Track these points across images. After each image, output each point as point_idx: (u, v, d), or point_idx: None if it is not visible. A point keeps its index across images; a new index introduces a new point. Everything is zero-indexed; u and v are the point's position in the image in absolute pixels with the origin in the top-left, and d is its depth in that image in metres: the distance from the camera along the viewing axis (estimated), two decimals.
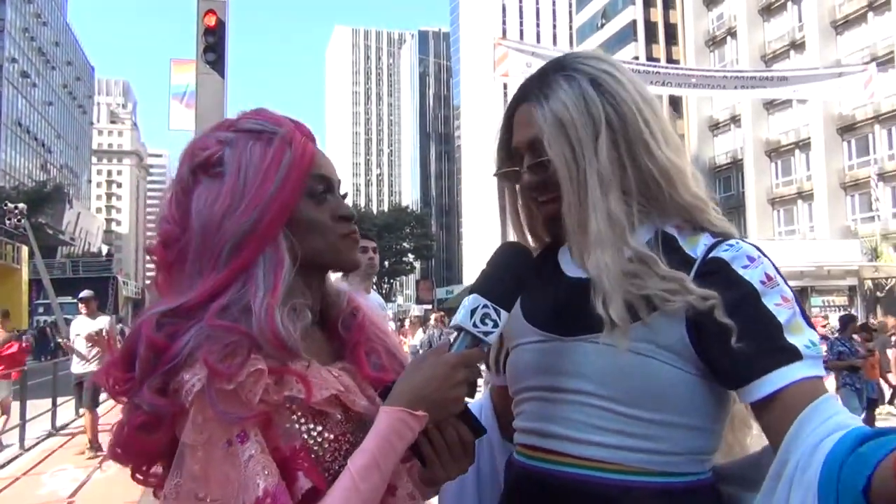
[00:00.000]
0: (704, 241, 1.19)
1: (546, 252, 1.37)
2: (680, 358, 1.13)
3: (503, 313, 1.10)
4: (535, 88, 1.25)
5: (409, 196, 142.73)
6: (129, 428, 1.02)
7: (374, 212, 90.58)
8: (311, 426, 1.05)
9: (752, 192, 42.26)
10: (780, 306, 1.10)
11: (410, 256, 73.06)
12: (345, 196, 1.21)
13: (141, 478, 1.07)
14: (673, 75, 13.53)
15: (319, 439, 1.05)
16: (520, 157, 1.28)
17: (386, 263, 66.78)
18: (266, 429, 1.00)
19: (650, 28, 54.00)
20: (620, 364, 1.14)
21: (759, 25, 43.17)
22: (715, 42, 46.79)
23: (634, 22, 54.35)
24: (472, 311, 1.10)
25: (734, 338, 1.08)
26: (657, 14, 54.04)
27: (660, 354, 1.13)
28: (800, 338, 1.08)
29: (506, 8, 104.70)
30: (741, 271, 1.13)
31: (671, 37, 52.35)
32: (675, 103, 48.52)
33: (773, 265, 1.16)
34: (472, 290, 1.13)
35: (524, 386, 1.28)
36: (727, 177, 46.19)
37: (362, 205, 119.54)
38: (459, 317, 1.11)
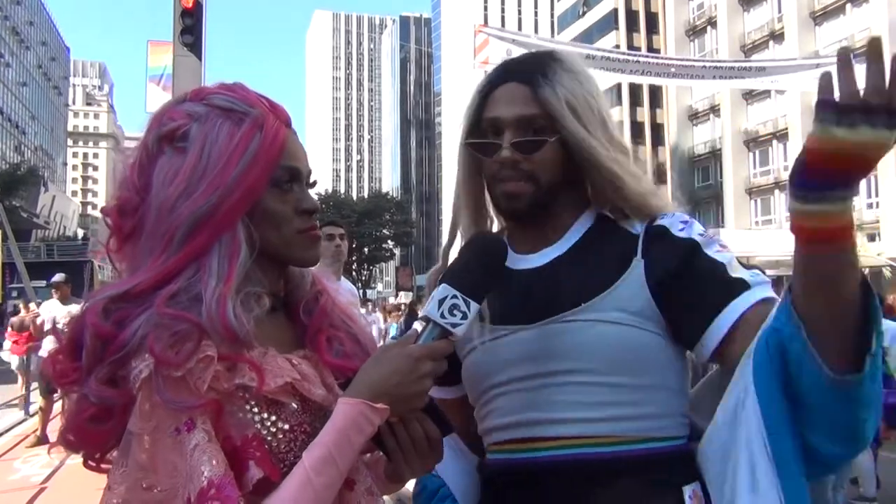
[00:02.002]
0: (640, 219, 1.28)
1: None
2: (650, 321, 1.19)
3: (473, 305, 1.07)
4: (532, 70, 1.27)
5: (389, 182, 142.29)
6: (80, 419, 0.98)
7: (354, 198, 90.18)
8: (265, 415, 1.01)
9: (730, 182, 42.58)
10: (720, 252, 1.21)
11: (390, 243, 72.87)
12: (314, 184, 1.16)
13: (93, 465, 1.04)
14: (653, 65, 13.54)
15: (273, 429, 1.02)
16: (492, 133, 1.28)
17: (365, 250, 66.60)
18: (217, 417, 0.97)
19: (631, 17, 54.05)
20: (595, 335, 1.18)
21: (739, 15, 43.39)
22: (695, 32, 46.97)
23: (616, 10, 54.36)
24: (441, 302, 1.06)
25: (687, 289, 1.18)
26: (638, 2, 54.10)
27: (632, 320, 1.18)
28: (743, 272, 1.18)
29: None
30: (679, 233, 1.23)
31: (652, 26, 52.47)
32: (655, 93, 48.74)
33: (703, 225, 1.27)
34: (441, 279, 1.10)
35: (492, 383, 1.26)
36: (706, 167, 46.54)
37: (342, 191, 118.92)
38: (428, 307, 1.07)
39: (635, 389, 1.18)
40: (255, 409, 1.01)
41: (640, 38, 52.64)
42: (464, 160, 1.37)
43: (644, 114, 51.62)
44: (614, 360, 1.17)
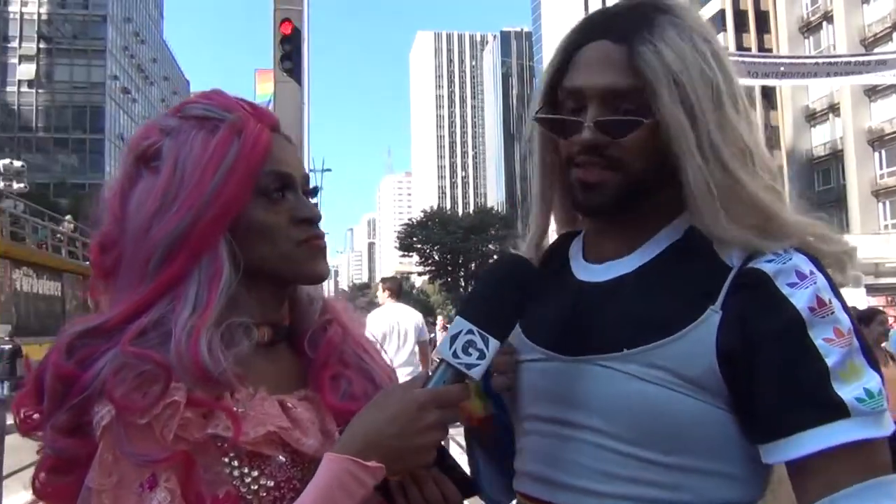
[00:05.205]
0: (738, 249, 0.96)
1: (554, 248, 1.15)
2: (707, 392, 0.91)
3: (492, 342, 0.89)
4: (632, 26, 0.96)
5: (494, 197, 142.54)
6: (40, 470, 0.90)
7: (460, 214, 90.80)
8: (246, 470, 0.89)
9: (853, 185, 40.23)
10: (831, 343, 0.87)
11: (496, 258, 72.58)
12: (315, 191, 1.04)
13: None
14: (760, 65, 12.99)
15: (255, 486, 0.88)
16: (576, 105, 1.00)
17: (472, 266, 66.80)
18: (187, 472, 0.85)
19: (740, 16, 52.14)
20: (628, 394, 0.93)
21: (858, 8, 41.09)
22: (809, 28, 44.83)
23: (723, 11, 52.63)
24: (454, 338, 0.89)
25: (766, 380, 0.88)
26: (747, 1, 52.19)
27: (681, 386, 0.91)
28: (851, 387, 0.85)
29: (588, 5, 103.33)
30: (786, 290, 0.90)
31: (762, 24, 50.41)
32: (769, 94, 46.75)
33: (831, 285, 0.92)
34: (458, 311, 0.93)
35: (525, 414, 1.07)
36: (826, 169, 44.20)
37: (448, 207, 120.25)
38: (440, 345, 0.91)
39: (671, 471, 0.91)
40: (234, 463, 0.88)
41: (750, 38, 50.68)
42: (540, 142, 1.09)
43: (757, 117, 49.43)
44: (645, 429, 0.92)
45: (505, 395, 1.08)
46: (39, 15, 64.02)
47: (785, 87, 40.01)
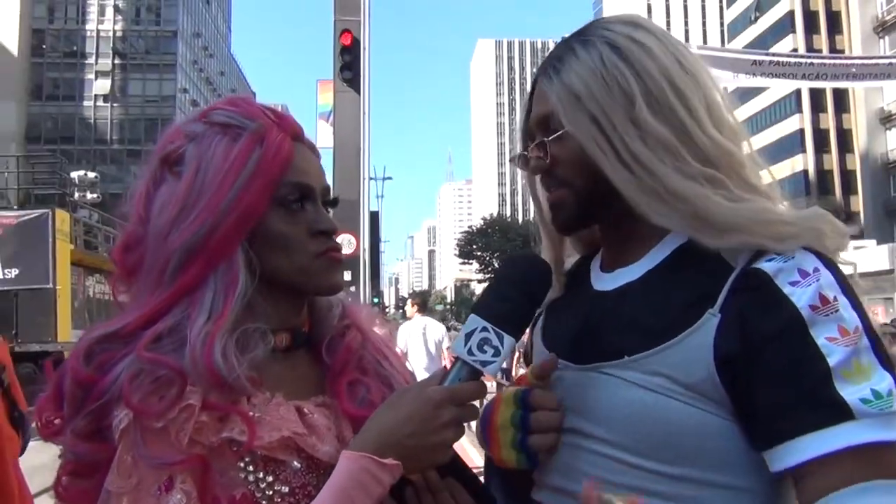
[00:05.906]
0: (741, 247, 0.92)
1: (580, 262, 1.15)
2: (709, 400, 0.88)
3: (507, 339, 0.89)
4: (550, 59, 1.04)
5: None
6: (62, 474, 0.91)
7: (520, 221, 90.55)
8: (261, 475, 0.89)
9: None
10: (834, 342, 0.82)
11: None
12: (335, 202, 1.04)
13: None
14: (829, 66, 12.51)
15: (269, 492, 0.89)
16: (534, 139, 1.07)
17: None
18: (203, 475, 0.86)
19: (810, 17, 50.62)
20: (629, 402, 0.90)
21: None
22: (885, 28, 43.20)
23: (792, 13, 51.18)
24: (469, 336, 0.90)
25: (765, 383, 0.84)
26: (818, 2, 50.64)
27: (681, 394, 0.88)
28: (856, 388, 0.80)
29: (651, 7, 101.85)
30: (787, 289, 0.85)
31: (834, 25, 48.86)
32: (841, 97, 45.26)
33: (839, 282, 0.87)
34: (472, 308, 0.93)
35: None
36: None
37: (508, 215, 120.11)
38: (454, 342, 0.91)
39: (676, 482, 0.88)
40: (250, 468, 0.89)
41: (821, 40, 49.17)
42: (527, 180, 1.14)
43: (828, 120, 47.96)
44: (647, 439, 0.89)
45: (542, 455, 1.01)
46: (114, 32, 66.65)
47: (858, 90, 38.59)
